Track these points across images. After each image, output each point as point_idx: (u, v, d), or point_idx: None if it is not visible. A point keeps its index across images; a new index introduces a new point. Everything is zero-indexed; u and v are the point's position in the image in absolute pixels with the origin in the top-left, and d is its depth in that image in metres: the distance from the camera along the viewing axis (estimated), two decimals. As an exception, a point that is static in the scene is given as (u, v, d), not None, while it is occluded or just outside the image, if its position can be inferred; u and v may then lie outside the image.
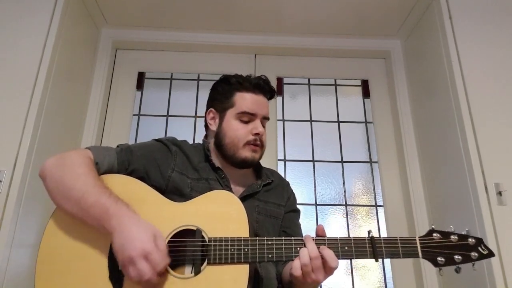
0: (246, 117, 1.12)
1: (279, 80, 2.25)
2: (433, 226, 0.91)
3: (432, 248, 0.88)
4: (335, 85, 2.31)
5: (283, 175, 2.03)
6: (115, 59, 2.23)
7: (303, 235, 0.91)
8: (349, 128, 2.21)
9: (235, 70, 2.19)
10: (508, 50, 1.71)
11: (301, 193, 2.05)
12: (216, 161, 1.14)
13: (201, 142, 1.23)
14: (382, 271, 1.93)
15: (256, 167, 1.22)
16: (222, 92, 1.18)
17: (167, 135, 2.12)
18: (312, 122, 2.21)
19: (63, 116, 1.79)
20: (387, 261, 1.93)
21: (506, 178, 1.50)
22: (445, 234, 0.90)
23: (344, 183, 2.08)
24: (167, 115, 2.18)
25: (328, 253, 0.86)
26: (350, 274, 1.91)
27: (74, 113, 1.92)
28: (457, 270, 0.87)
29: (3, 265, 1.35)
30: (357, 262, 1.94)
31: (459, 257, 0.87)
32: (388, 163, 2.09)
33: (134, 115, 2.16)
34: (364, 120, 2.23)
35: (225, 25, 2.17)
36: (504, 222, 1.44)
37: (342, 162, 2.12)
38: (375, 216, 2.03)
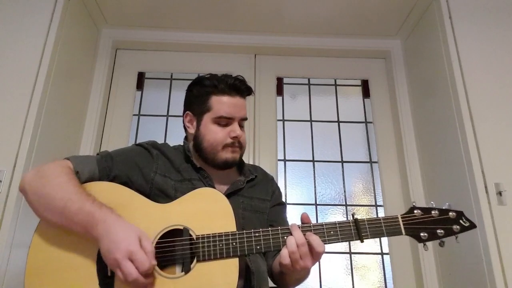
0: (224, 121, 1.12)
1: (279, 80, 2.25)
2: (414, 203, 0.93)
3: (415, 224, 0.90)
4: (335, 85, 2.31)
5: (283, 175, 2.05)
6: (115, 59, 2.24)
7: (290, 223, 0.91)
8: (349, 128, 2.21)
9: (235, 70, 2.21)
10: (508, 50, 1.71)
11: (301, 193, 2.05)
12: (197, 161, 1.15)
13: (182, 144, 1.23)
14: (382, 271, 1.93)
15: (238, 164, 1.23)
16: (198, 95, 1.17)
17: (167, 135, 2.14)
18: (312, 122, 2.21)
19: (63, 116, 1.79)
20: (387, 261, 1.93)
21: (506, 178, 1.50)
22: (426, 210, 0.92)
23: (344, 183, 2.08)
24: (167, 115, 2.18)
25: (314, 239, 0.87)
26: (350, 274, 1.91)
27: (74, 113, 1.92)
28: (441, 244, 0.89)
29: (3, 265, 1.36)
30: (357, 262, 1.94)
31: (442, 231, 0.89)
32: (388, 163, 2.09)
33: (134, 115, 2.16)
34: (364, 120, 2.23)
35: (225, 25, 2.17)
36: (504, 222, 1.44)
37: (342, 162, 2.12)
38: (375, 216, 2.03)
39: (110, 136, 2.06)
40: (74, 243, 0.91)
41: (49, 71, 1.64)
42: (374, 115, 2.20)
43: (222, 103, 1.12)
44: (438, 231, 0.89)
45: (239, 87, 1.15)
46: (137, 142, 1.17)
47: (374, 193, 2.07)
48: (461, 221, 0.89)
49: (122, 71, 2.22)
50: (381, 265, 1.94)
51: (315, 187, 2.06)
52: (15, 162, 1.47)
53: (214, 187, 1.10)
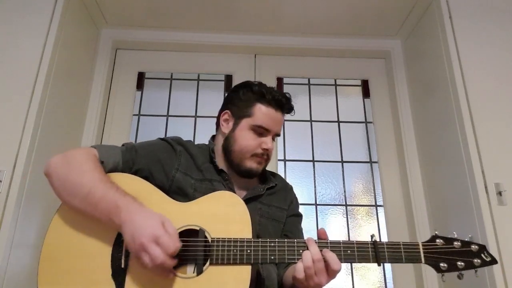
0: (261, 131, 1.13)
1: (279, 80, 2.25)
2: (436, 232, 0.91)
3: (435, 254, 0.88)
4: (335, 85, 2.30)
5: (283, 175, 2.04)
6: (115, 59, 2.23)
7: (307, 238, 0.91)
8: (349, 128, 2.21)
9: (235, 70, 2.22)
10: (508, 50, 1.71)
11: (301, 193, 2.04)
12: (221, 163, 1.15)
13: (206, 143, 1.23)
14: (382, 272, 1.93)
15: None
16: (243, 98, 1.16)
17: (167, 135, 2.13)
18: (312, 122, 2.21)
19: (63, 116, 1.79)
20: (387, 261, 1.93)
21: (506, 178, 1.50)
22: (448, 240, 0.90)
23: (344, 183, 2.08)
24: (167, 115, 2.18)
25: (331, 256, 0.86)
26: (350, 274, 1.91)
27: (74, 113, 1.92)
28: (460, 277, 0.88)
29: (3, 265, 1.35)
30: (357, 262, 1.94)
31: (462, 263, 0.87)
32: (388, 163, 2.09)
33: (134, 115, 2.16)
34: (364, 120, 2.23)
35: (225, 25, 2.17)
36: (504, 222, 1.44)
37: (342, 162, 2.12)
38: (375, 216, 2.03)
39: (110, 136, 2.06)
40: (92, 231, 0.92)
41: (49, 71, 1.64)
42: (374, 115, 2.20)
43: (264, 113, 1.13)
44: (459, 263, 0.87)
45: (283, 104, 1.16)
46: (162, 137, 1.16)
47: (374, 193, 2.07)
48: (482, 255, 0.88)
49: (122, 71, 2.22)
50: (381, 265, 1.94)
51: (315, 187, 2.06)
52: (15, 162, 1.46)
53: (233, 191, 1.10)
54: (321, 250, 0.87)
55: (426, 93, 1.95)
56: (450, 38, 1.74)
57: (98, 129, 2.02)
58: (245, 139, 1.12)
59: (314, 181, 2.07)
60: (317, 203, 2.04)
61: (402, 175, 2.03)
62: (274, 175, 1.29)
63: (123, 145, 1.10)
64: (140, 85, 2.22)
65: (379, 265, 0.89)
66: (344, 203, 2.05)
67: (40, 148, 1.55)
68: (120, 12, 2.09)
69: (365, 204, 2.07)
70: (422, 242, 0.90)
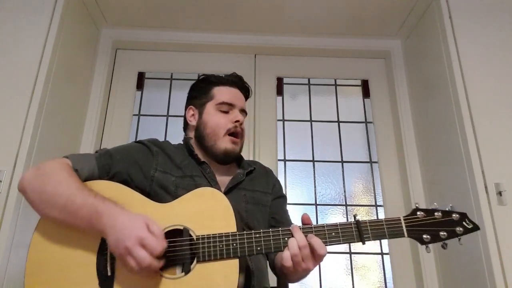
0: (225, 107, 1.18)
1: (279, 80, 2.25)
2: (417, 205, 0.92)
3: (417, 226, 0.89)
4: (335, 85, 2.30)
5: (283, 175, 2.05)
6: (115, 59, 2.23)
7: (292, 225, 0.91)
8: (349, 128, 2.20)
9: (235, 70, 2.17)
10: (508, 50, 1.71)
11: (301, 193, 2.05)
12: (201, 155, 1.16)
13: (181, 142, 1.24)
14: (382, 271, 1.93)
15: (237, 158, 1.24)
16: (200, 89, 1.25)
17: (167, 135, 2.14)
18: (312, 122, 2.20)
19: (63, 116, 1.79)
20: (387, 261, 1.93)
21: (506, 178, 1.50)
22: (429, 212, 0.90)
23: (344, 183, 2.08)
24: (167, 115, 2.18)
25: (316, 241, 0.87)
26: (350, 274, 1.91)
27: (74, 113, 1.92)
28: (444, 246, 0.88)
29: (3, 265, 1.35)
30: (357, 262, 1.94)
31: (445, 233, 0.88)
32: (388, 163, 2.09)
33: (134, 115, 2.16)
34: (364, 120, 2.23)
35: (225, 25, 2.17)
36: (504, 222, 1.44)
37: (342, 162, 2.12)
38: (375, 216, 2.03)
39: (110, 136, 2.06)
40: (74, 241, 0.91)
41: (49, 71, 1.64)
42: (374, 115, 2.20)
43: (223, 91, 1.21)
44: (441, 233, 0.88)
45: (237, 82, 1.25)
46: (137, 140, 1.17)
47: (374, 193, 2.07)
48: (464, 223, 0.88)
49: (122, 71, 2.22)
50: (381, 265, 1.94)
51: (315, 187, 2.06)
52: (15, 162, 1.46)
53: (216, 181, 1.11)
54: (306, 236, 0.88)
55: (426, 93, 1.95)
56: (450, 38, 1.74)
57: (98, 129, 2.02)
58: (214, 119, 1.17)
59: (314, 181, 2.07)
60: (317, 203, 2.04)
61: (402, 175, 2.03)
62: (252, 161, 1.32)
63: (96, 151, 1.09)
64: (140, 85, 2.22)
65: (363, 243, 0.88)
66: (344, 203, 2.05)
67: (40, 148, 1.55)
68: (120, 12, 2.09)
69: (365, 204, 2.07)
70: (403, 216, 0.90)
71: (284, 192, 1.29)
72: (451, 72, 1.70)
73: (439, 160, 1.81)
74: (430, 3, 1.90)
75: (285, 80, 2.28)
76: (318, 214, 2.01)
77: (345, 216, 2.02)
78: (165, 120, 2.17)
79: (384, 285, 1.90)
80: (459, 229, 0.88)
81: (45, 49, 1.65)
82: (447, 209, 0.91)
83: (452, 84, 1.69)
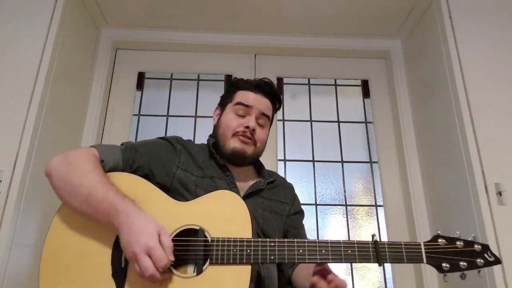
0: (242, 110, 1.16)
1: (279, 80, 2.25)
2: (438, 232, 0.90)
3: (437, 254, 0.87)
4: (335, 85, 2.30)
5: (283, 175, 2.04)
6: (115, 59, 2.23)
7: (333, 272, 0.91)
8: (349, 128, 2.20)
9: (235, 70, 2.22)
10: (508, 50, 1.71)
11: (301, 193, 2.04)
12: (221, 158, 1.15)
13: (205, 142, 1.24)
14: (382, 271, 1.93)
15: (257, 166, 1.24)
16: (228, 92, 1.25)
17: (167, 135, 2.13)
18: (312, 122, 2.20)
19: (63, 116, 1.79)
20: (387, 261, 1.93)
21: (506, 178, 1.49)
22: (451, 240, 0.88)
23: (344, 183, 2.08)
24: (167, 115, 2.18)
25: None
26: (350, 274, 1.91)
27: (74, 113, 1.92)
28: (462, 277, 0.86)
29: (3, 265, 1.35)
30: (357, 262, 1.94)
31: (465, 263, 0.86)
32: (388, 163, 2.09)
33: (134, 115, 2.16)
34: (364, 120, 2.23)
35: (225, 25, 2.17)
36: (504, 222, 1.44)
37: (342, 162, 2.12)
38: (375, 216, 2.03)
39: (110, 136, 2.06)
40: (92, 230, 0.92)
41: (49, 71, 1.64)
42: (374, 115, 2.20)
43: (243, 94, 1.19)
44: (461, 263, 0.85)
45: (263, 87, 1.20)
46: (161, 136, 1.18)
47: (374, 193, 2.07)
48: (485, 255, 0.86)
49: (122, 71, 2.22)
50: (382, 265, 1.93)
51: (315, 187, 2.06)
52: (15, 162, 1.46)
53: (235, 185, 1.11)
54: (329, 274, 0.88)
55: (426, 93, 1.95)
56: (450, 38, 1.74)
57: (98, 129, 2.02)
58: (227, 119, 1.16)
59: (314, 181, 2.07)
60: (317, 203, 2.04)
61: (402, 175, 2.03)
62: (273, 172, 1.32)
63: (122, 144, 1.10)
64: (140, 85, 2.22)
65: (380, 265, 0.88)
66: (344, 203, 2.05)
67: (40, 148, 1.55)
68: (120, 12, 2.09)
69: (365, 204, 2.07)
70: (424, 242, 0.88)
71: (302, 208, 1.29)
72: (451, 72, 1.70)
73: (439, 160, 1.81)
74: (430, 3, 1.90)
75: (285, 80, 2.28)
76: (318, 214, 2.01)
77: (345, 216, 2.02)
78: (165, 120, 2.17)
79: (384, 285, 1.90)
80: (480, 260, 0.86)
81: (45, 49, 1.65)
82: (469, 239, 0.89)
83: (452, 84, 1.69)
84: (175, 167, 1.08)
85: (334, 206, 2.04)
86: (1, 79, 1.58)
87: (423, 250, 0.88)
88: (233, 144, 1.13)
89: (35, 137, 1.54)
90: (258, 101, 1.18)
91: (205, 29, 2.19)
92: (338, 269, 1.92)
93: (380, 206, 2.04)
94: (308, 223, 1.95)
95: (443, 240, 0.88)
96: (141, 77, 2.23)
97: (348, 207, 2.04)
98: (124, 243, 0.84)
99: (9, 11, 1.70)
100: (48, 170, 0.96)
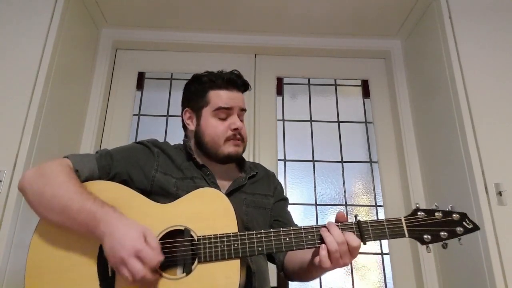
0: (223, 113, 1.14)
1: (279, 80, 2.25)
2: (417, 205, 0.93)
3: (418, 226, 0.90)
4: (335, 85, 2.30)
5: (283, 175, 2.05)
6: (115, 59, 2.23)
7: (327, 222, 0.91)
8: (349, 128, 2.21)
9: (235, 70, 2.21)
10: (508, 50, 1.71)
11: (301, 193, 2.05)
12: (200, 158, 1.15)
13: (181, 142, 1.23)
14: (382, 271, 1.93)
15: (239, 161, 1.23)
16: (195, 92, 1.19)
17: (167, 135, 2.14)
18: (312, 122, 2.21)
19: (63, 116, 1.79)
20: (387, 261, 1.93)
21: (506, 178, 1.49)
22: (430, 212, 0.91)
23: (344, 183, 2.08)
24: (167, 115, 2.18)
25: (349, 234, 0.87)
26: (350, 274, 1.91)
27: (74, 113, 1.92)
28: (444, 246, 0.88)
29: (3, 265, 1.35)
30: (357, 262, 1.94)
31: (445, 233, 0.88)
32: (388, 163, 2.09)
33: (134, 115, 2.16)
34: (364, 120, 2.23)
35: (225, 25, 2.17)
36: (504, 222, 1.44)
37: (342, 162, 2.12)
38: (375, 216, 2.03)
39: (110, 136, 2.06)
40: (74, 242, 0.90)
41: (49, 71, 1.64)
42: (374, 115, 2.20)
43: (219, 96, 1.15)
44: (442, 233, 0.88)
45: (235, 81, 1.17)
46: (138, 141, 1.17)
47: (374, 193, 2.07)
48: (464, 223, 0.89)
49: (122, 71, 2.22)
50: (381, 265, 1.94)
51: (315, 187, 2.06)
52: (15, 162, 1.47)
53: (216, 184, 1.10)
54: (342, 231, 0.87)
55: (426, 93, 1.95)
56: (450, 38, 1.74)
57: (98, 129, 2.02)
58: (212, 127, 1.13)
59: (314, 181, 2.07)
60: (317, 203, 2.04)
61: (402, 175, 2.03)
62: (255, 164, 1.30)
63: (97, 152, 1.09)
64: (140, 85, 2.22)
65: (364, 243, 0.88)
66: (344, 203, 2.05)
67: (40, 148, 1.55)
68: (120, 12, 2.09)
69: (365, 204, 2.07)
70: (404, 217, 0.91)
71: (285, 195, 1.29)
72: (451, 72, 1.70)
73: (439, 160, 1.81)
74: (430, 3, 1.90)
75: (285, 80, 2.28)
76: (318, 214, 2.01)
77: (345, 216, 2.01)
78: (165, 120, 2.17)
79: (384, 285, 1.90)
80: (459, 229, 0.88)
81: (45, 49, 1.65)
82: (447, 209, 0.91)
83: (452, 84, 1.69)
84: (154, 171, 1.07)
85: (334, 206, 2.04)
86: (1, 79, 1.58)
87: (404, 225, 0.90)
88: (227, 150, 1.12)
89: (35, 137, 1.54)
90: (235, 99, 1.16)
91: (205, 29, 2.19)
92: (338, 269, 1.91)
93: (380, 206, 2.04)
94: (308, 223, 1.94)
95: (423, 213, 0.91)
96: (141, 77, 2.23)
97: (348, 207, 2.04)
98: (108, 250, 0.82)
99: (9, 11, 1.70)
100: (21, 184, 0.94)
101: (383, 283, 1.90)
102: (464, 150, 1.58)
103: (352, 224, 0.90)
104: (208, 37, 2.21)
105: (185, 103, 1.23)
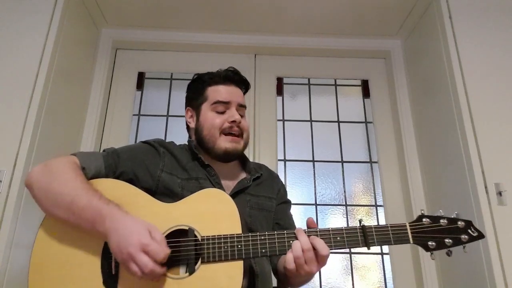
0: (221, 107, 1.15)
1: (279, 80, 2.25)
2: (422, 211, 0.92)
3: (423, 233, 0.89)
4: (335, 85, 2.30)
5: (283, 175, 2.05)
6: (115, 59, 2.23)
7: (296, 228, 0.91)
8: (349, 128, 2.20)
9: (235, 70, 2.21)
10: (508, 50, 1.71)
11: (301, 193, 2.05)
12: (205, 158, 1.15)
13: (186, 143, 1.24)
14: (382, 271, 1.93)
15: (242, 161, 1.24)
16: (195, 90, 1.22)
17: (167, 135, 2.14)
18: (312, 122, 2.20)
19: (63, 116, 1.79)
20: (387, 261, 1.93)
21: (506, 178, 1.49)
22: (435, 219, 0.91)
23: (344, 183, 2.08)
24: (167, 115, 2.18)
25: (319, 242, 0.86)
26: (350, 274, 1.91)
27: (74, 113, 1.92)
28: (448, 254, 0.88)
29: (3, 265, 1.35)
30: (357, 262, 1.94)
31: (450, 240, 0.88)
32: (388, 163, 2.09)
33: (134, 115, 2.16)
34: (364, 120, 2.23)
35: (225, 25, 2.17)
36: (504, 222, 1.44)
37: (342, 162, 2.12)
38: (375, 216, 2.03)
39: (110, 136, 2.06)
40: (79, 240, 0.91)
41: (49, 71, 1.64)
42: (374, 115, 2.20)
43: (217, 91, 1.17)
44: (446, 240, 0.88)
45: (232, 77, 1.20)
46: (144, 140, 1.17)
47: (374, 193, 2.07)
48: (469, 230, 0.88)
49: (122, 71, 2.22)
50: (381, 265, 1.94)
51: (315, 187, 2.06)
52: (15, 162, 1.46)
53: (221, 185, 1.10)
54: (309, 237, 0.87)
55: (426, 93, 1.95)
56: (450, 38, 1.74)
57: (98, 129, 2.02)
58: (209, 119, 1.14)
59: (314, 181, 2.07)
60: (317, 203, 2.04)
61: (402, 175, 2.03)
62: (260, 165, 1.30)
63: (104, 150, 1.09)
64: (140, 85, 2.22)
65: (368, 248, 0.89)
66: (344, 203, 2.05)
67: (40, 148, 1.55)
68: (120, 12, 2.09)
69: (365, 204, 2.07)
70: (409, 223, 0.90)
71: (288, 197, 1.28)
72: (451, 72, 1.70)
73: (439, 160, 1.81)
74: (430, 3, 1.90)
75: (285, 80, 2.28)
76: (318, 214, 2.01)
77: (345, 216, 2.02)
78: (165, 120, 2.17)
79: (384, 285, 1.90)
80: (464, 236, 0.88)
81: (45, 49, 1.65)
82: (452, 216, 0.91)
83: (452, 84, 1.69)
84: (159, 171, 1.07)
85: (334, 206, 2.04)
86: (1, 79, 1.58)
87: (409, 231, 0.90)
88: (224, 144, 1.12)
89: (35, 137, 1.54)
90: (233, 94, 1.17)
91: (205, 29, 2.19)
92: (338, 268, 1.92)
93: (380, 206, 2.04)
94: (308, 223, 1.95)
95: (428, 219, 0.90)
96: (141, 77, 2.23)
97: (348, 207, 2.04)
98: (114, 247, 0.83)
99: (9, 11, 1.70)
100: (28, 181, 0.95)
101: (383, 283, 1.90)
102: (464, 150, 1.58)
103: (356, 228, 0.90)
104: (208, 37, 2.21)
105: (187, 103, 1.25)
